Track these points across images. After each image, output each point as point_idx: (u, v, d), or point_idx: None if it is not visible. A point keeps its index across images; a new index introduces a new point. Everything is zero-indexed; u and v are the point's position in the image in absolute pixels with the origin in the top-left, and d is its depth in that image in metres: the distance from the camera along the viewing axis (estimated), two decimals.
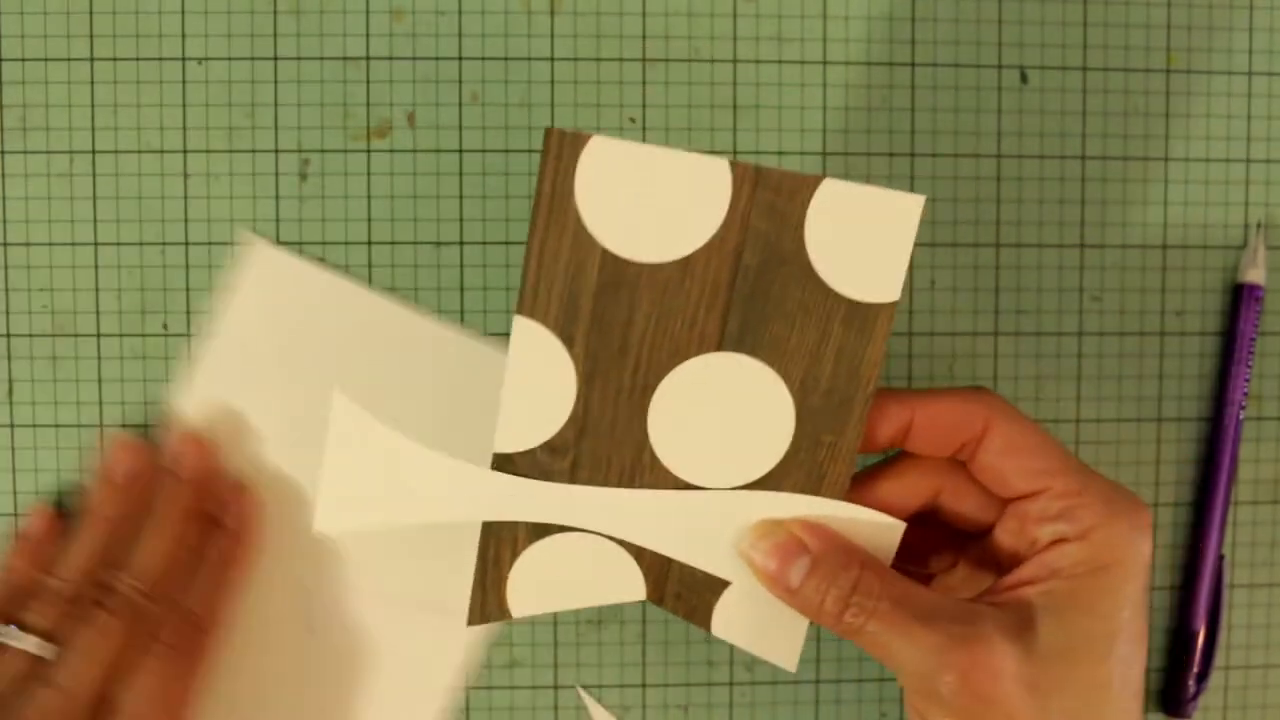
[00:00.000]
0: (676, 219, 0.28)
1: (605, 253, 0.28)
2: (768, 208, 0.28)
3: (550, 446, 0.30)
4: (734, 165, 0.27)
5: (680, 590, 0.31)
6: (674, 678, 0.38)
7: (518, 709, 0.37)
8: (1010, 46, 0.37)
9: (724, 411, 0.29)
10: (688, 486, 0.30)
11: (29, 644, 0.30)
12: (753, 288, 0.28)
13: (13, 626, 0.30)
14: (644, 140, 0.37)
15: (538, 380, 0.29)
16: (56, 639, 0.30)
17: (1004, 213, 0.38)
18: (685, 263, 0.28)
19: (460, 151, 0.36)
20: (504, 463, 0.30)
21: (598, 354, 0.29)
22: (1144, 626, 0.27)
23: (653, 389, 0.29)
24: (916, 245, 0.37)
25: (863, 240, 0.28)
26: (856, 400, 0.29)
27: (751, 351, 0.29)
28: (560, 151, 0.27)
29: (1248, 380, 0.38)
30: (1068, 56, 0.37)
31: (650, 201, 0.28)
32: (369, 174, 0.36)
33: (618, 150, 0.27)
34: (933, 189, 0.37)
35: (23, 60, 0.36)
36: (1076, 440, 0.38)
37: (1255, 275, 0.37)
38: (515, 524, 0.30)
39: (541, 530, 0.30)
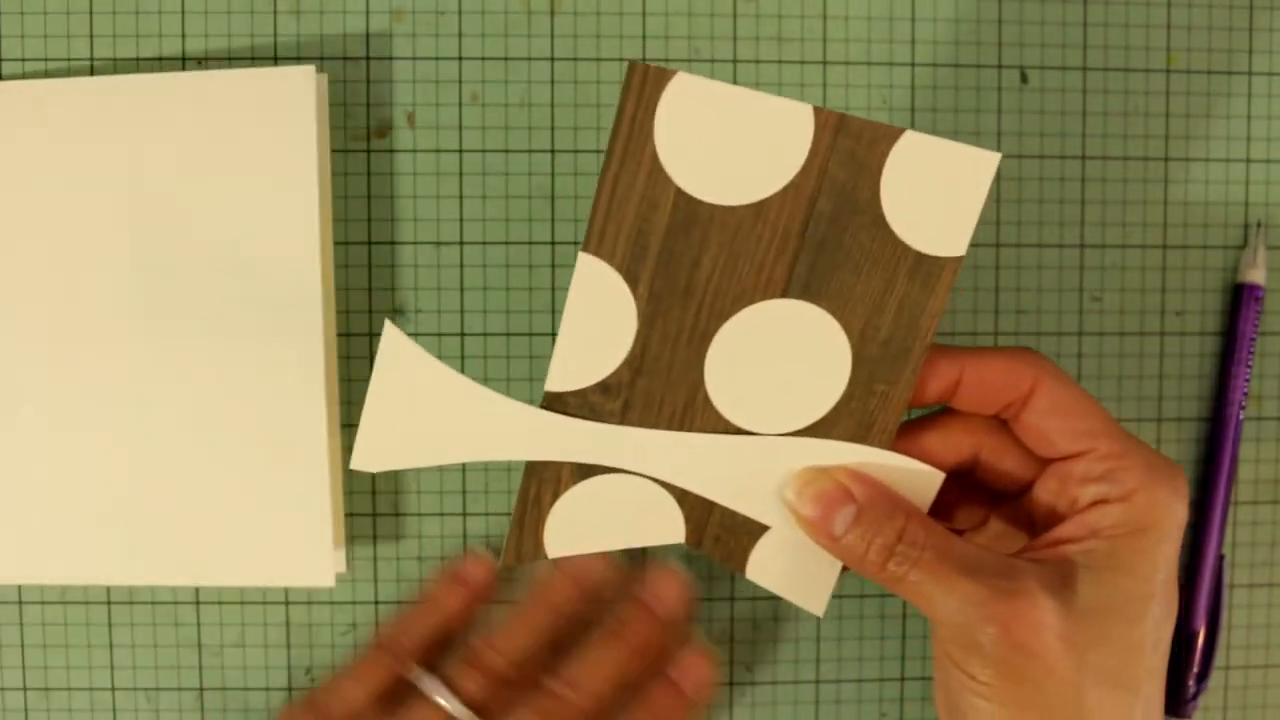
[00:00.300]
0: (755, 162, 0.28)
1: (680, 192, 0.28)
2: (847, 155, 0.27)
3: (604, 386, 0.29)
4: (818, 111, 0.27)
5: (720, 534, 0.31)
6: None
7: None
8: (1010, 46, 0.37)
9: (781, 358, 0.29)
10: (738, 431, 0.30)
11: (459, 712, 0.28)
12: (824, 235, 0.28)
13: (440, 683, 0.29)
14: None
15: (597, 320, 0.29)
16: (483, 716, 0.29)
17: (1004, 213, 0.38)
18: (759, 206, 0.28)
19: (460, 151, 0.36)
20: (554, 401, 0.30)
21: (662, 295, 0.29)
22: (1175, 590, 0.28)
23: (713, 333, 0.29)
24: None
25: (936, 194, 0.28)
26: (914, 351, 0.29)
27: (815, 299, 0.29)
28: (643, 87, 0.27)
29: (1248, 380, 0.38)
30: (1068, 56, 0.37)
31: (730, 143, 0.27)
32: (369, 174, 0.36)
33: (701, 89, 0.27)
34: None
35: (23, 60, 0.36)
36: None
37: (1255, 275, 0.37)
38: (560, 465, 0.30)
39: (586, 471, 0.30)
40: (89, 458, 0.36)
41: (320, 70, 0.36)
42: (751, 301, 0.29)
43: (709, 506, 0.31)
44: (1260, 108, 0.38)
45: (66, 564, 0.36)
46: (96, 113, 0.35)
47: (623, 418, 0.30)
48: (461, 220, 0.37)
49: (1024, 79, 0.37)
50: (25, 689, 0.37)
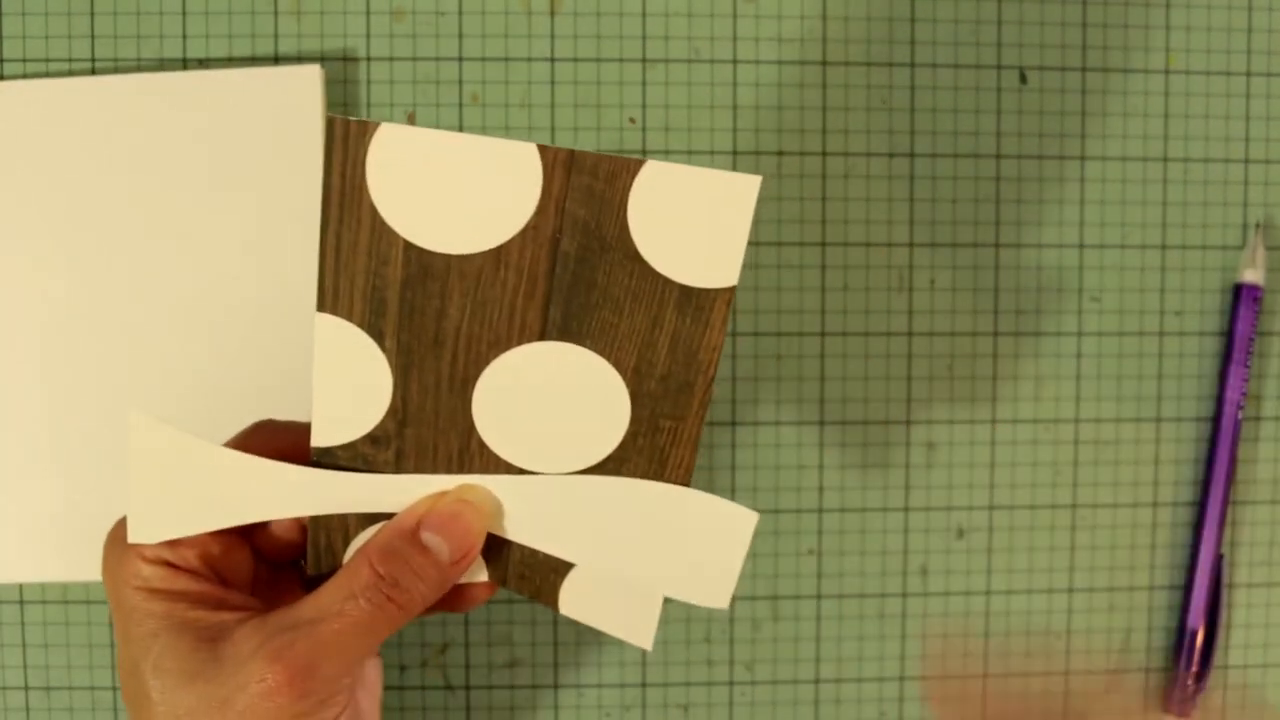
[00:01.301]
0: (485, 207, 0.26)
1: (408, 245, 0.27)
2: (585, 192, 0.26)
3: (371, 438, 0.29)
4: (543, 150, 0.26)
5: (524, 571, 0.30)
6: (674, 678, 0.38)
7: (518, 709, 0.37)
8: (1009, 47, 0.37)
9: (554, 399, 0.28)
10: (520, 472, 0.29)
11: None
12: (574, 275, 0.27)
13: None
14: (644, 141, 0.37)
15: (349, 376, 0.28)
16: None
17: (1004, 213, 0.38)
18: (497, 253, 0.27)
19: None
20: (325, 455, 0.29)
21: (411, 347, 0.28)
22: None
23: (474, 379, 0.28)
24: (916, 245, 0.37)
25: (695, 224, 0.26)
26: (697, 385, 0.28)
27: (578, 340, 0.28)
28: (346, 142, 0.26)
29: (1246, 380, 0.38)
30: (1067, 57, 0.38)
31: (455, 190, 0.26)
32: None
33: (412, 138, 0.26)
34: (933, 189, 0.37)
35: (24, 60, 0.36)
36: (1076, 440, 0.38)
37: (1254, 275, 0.37)
38: (344, 515, 0.29)
39: (370, 518, 0.29)
40: (90, 457, 0.36)
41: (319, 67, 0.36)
42: (509, 347, 0.28)
43: (505, 544, 0.30)
44: (1259, 108, 0.38)
45: (68, 563, 0.36)
46: (100, 112, 0.35)
47: (398, 466, 0.29)
48: None
49: (1023, 79, 0.38)
50: (26, 688, 0.37)
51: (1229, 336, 0.38)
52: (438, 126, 0.36)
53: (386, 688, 0.37)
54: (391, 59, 0.36)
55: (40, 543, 0.36)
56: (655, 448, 0.28)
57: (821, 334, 0.37)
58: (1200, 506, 0.38)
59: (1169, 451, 0.38)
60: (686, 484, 0.29)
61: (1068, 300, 0.38)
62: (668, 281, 0.27)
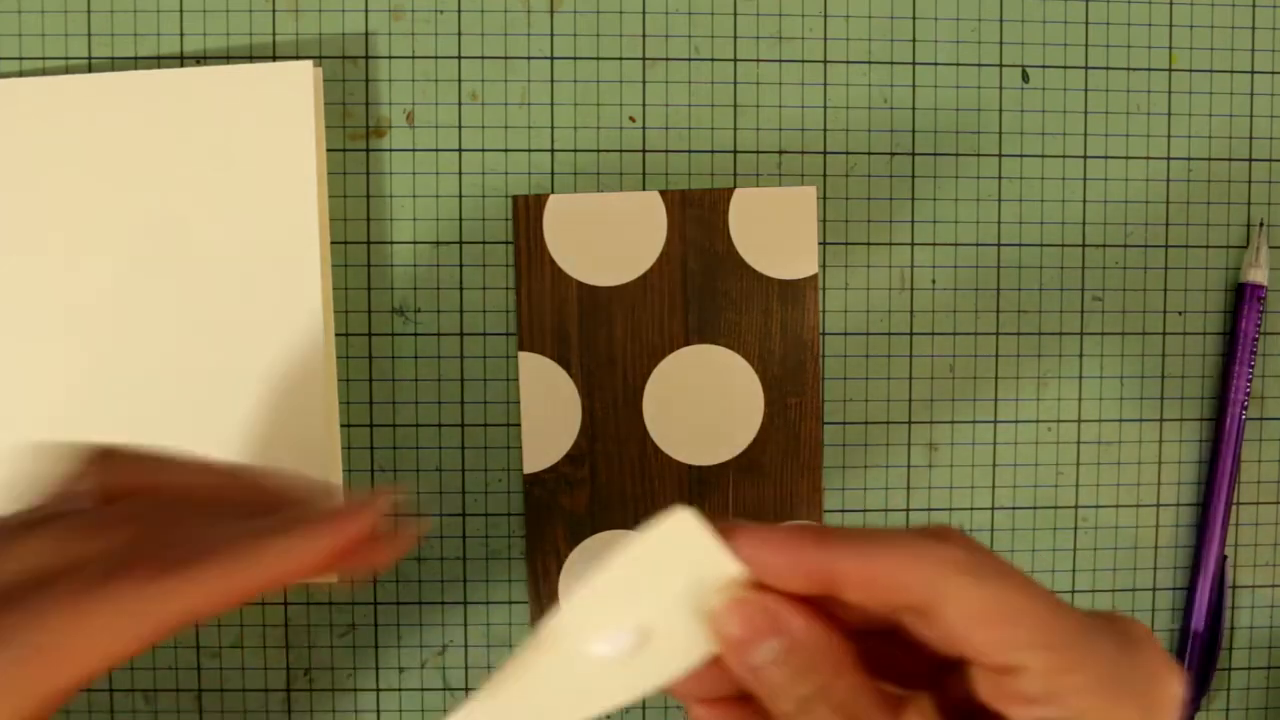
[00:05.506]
0: (629, 245, 0.35)
1: (580, 285, 0.35)
2: (697, 221, 0.35)
3: (570, 457, 0.35)
4: (663, 194, 0.35)
5: None
6: None
7: None
8: (1011, 45, 0.37)
9: (705, 395, 0.35)
10: (689, 468, 0.35)
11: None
12: (701, 287, 0.35)
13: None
14: (644, 140, 0.36)
15: (548, 402, 0.35)
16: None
17: (1005, 212, 0.37)
18: (644, 279, 0.34)
19: (459, 150, 0.36)
20: (535, 483, 0.35)
21: (591, 369, 0.35)
22: None
23: (642, 389, 0.34)
24: (917, 245, 0.37)
25: (778, 230, 0.35)
26: (808, 363, 0.35)
27: (714, 340, 0.35)
28: (526, 212, 0.35)
29: (1250, 380, 0.37)
30: (1069, 56, 0.37)
31: (606, 235, 0.35)
32: (368, 173, 0.36)
33: (571, 201, 0.34)
34: (933, 189, 0.37)
35: (20, 59, 0.36)
36: (1078, 440, 0.38)
37: (1257, 275, 0.37)
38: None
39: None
40: None
41: (317, 65, 0.36)
42: (664, 355, 0.34)
43: None
44: (1262, 107, 0.38)
45: None
46: (94, 109, 0.35)
47: (593, 480, 0.35)
48: (460, 220, 0.36)
49: (1025, 78, 0.37)
50: None
51: (1232, 336, 0.38)
52: (436, 125, 0.36)
53: (385, 689, 0.37)
54: (390, 58, 0.36)
55: None
56: (788, 424, 0.35)
57: (822, 333, 0.37)
58: (1204, 507, 0.38)
59: (1172, 452, 0.38)
60: (819, 455, 0.35)
61: (1070, 300, 0.38)
62: (769, 279, 0.35)
